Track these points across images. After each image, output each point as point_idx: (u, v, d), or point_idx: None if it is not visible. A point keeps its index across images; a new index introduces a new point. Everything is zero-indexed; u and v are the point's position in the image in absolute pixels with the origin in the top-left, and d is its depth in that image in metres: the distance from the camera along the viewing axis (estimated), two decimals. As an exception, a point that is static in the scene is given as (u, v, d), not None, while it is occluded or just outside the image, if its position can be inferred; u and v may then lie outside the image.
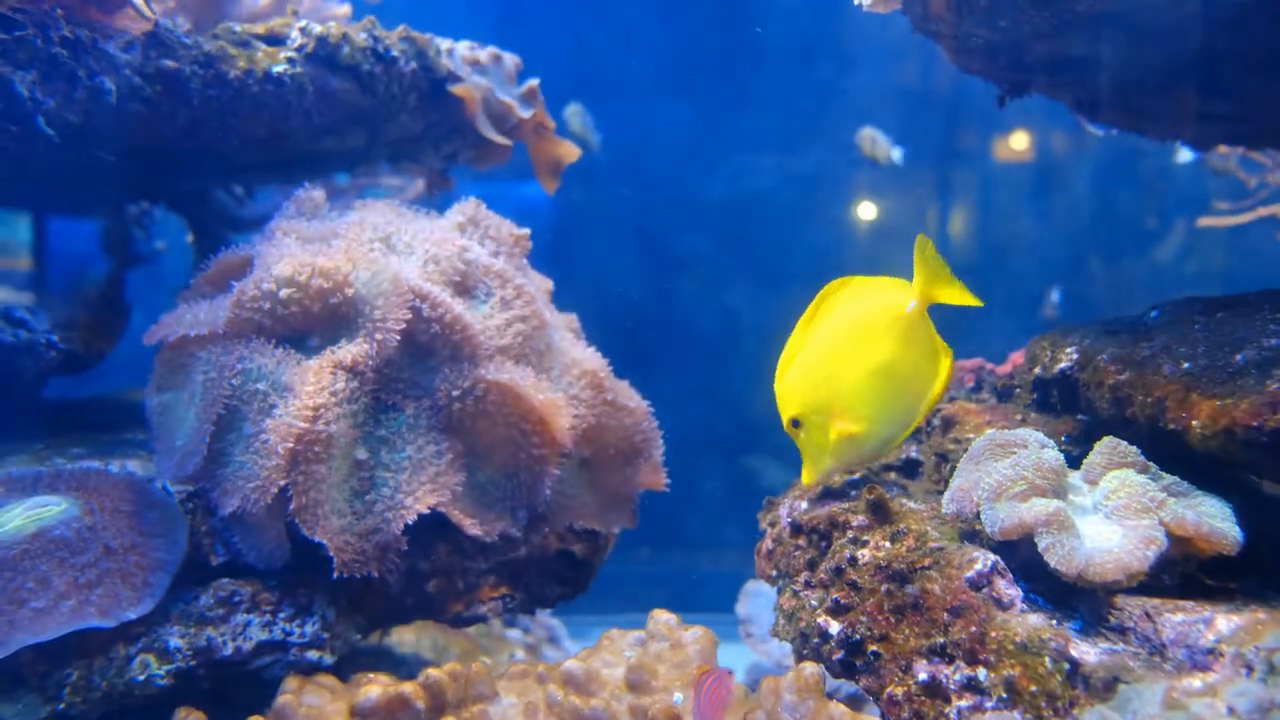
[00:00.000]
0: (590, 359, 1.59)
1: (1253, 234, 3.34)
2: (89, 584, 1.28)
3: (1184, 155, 3.35)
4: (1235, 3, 1.31)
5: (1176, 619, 1.04)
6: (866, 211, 4.11)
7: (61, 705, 1.25)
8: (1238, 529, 1.08)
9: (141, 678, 1.29)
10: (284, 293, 1.39)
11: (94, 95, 1.47)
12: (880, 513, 1.29)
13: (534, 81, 2.09)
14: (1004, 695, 1.05)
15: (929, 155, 4.05)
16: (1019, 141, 3.99)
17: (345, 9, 1.96)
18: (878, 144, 3.48)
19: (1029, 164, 4.05)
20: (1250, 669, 0.94)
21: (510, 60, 2.07)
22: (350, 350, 1.37)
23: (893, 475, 1.55)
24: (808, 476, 1.36)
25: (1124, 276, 3.94)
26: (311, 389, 1.32)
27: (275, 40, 1.72)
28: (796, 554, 1.37)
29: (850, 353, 1.32)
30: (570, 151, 2.13)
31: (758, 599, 2.33)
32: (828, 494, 1.43)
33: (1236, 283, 1.50)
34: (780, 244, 4.10)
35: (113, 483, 1.40)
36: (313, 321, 1.43)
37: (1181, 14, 1.37)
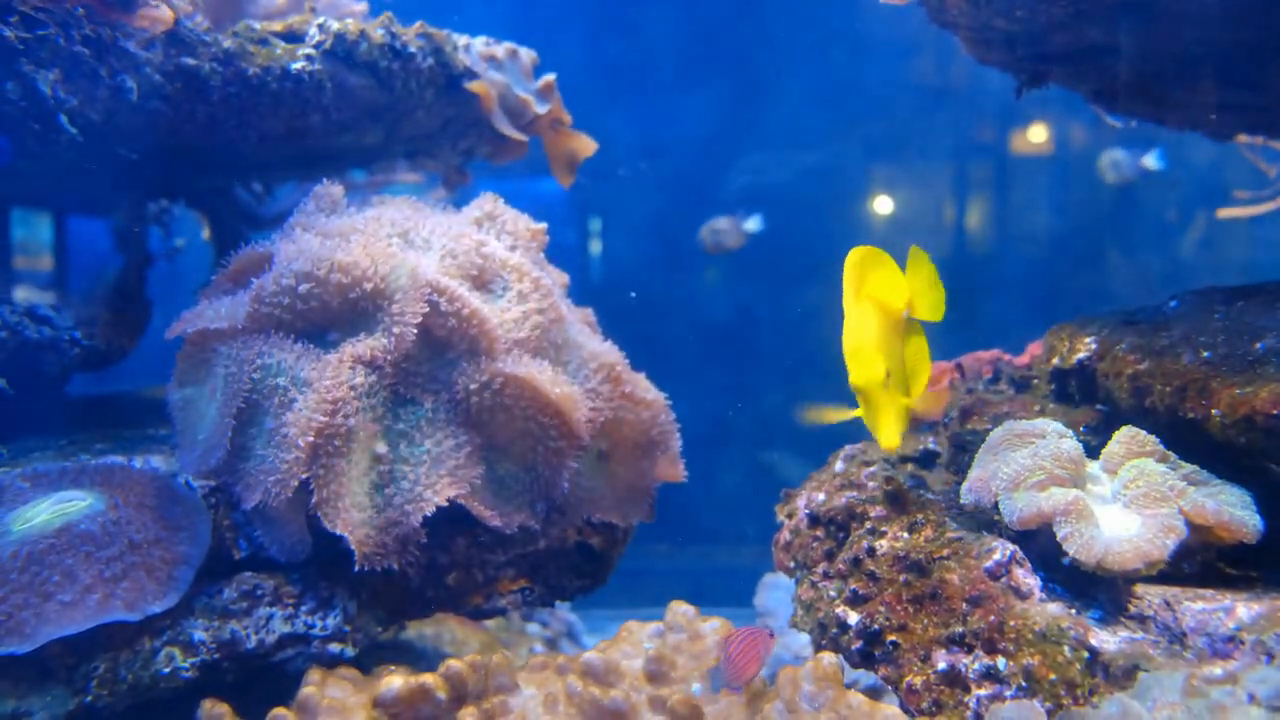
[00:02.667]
0: (607, 352, 1.60)
1: (1273, 224, 3.31)
2: (114, 578, 1.30)
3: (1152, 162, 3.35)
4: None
5: (1196, 607, 1.04)
6: (883, 205, 4.10)
7: (89, 698, 1.26)
8: (1258, 517, 1.08)
9: (167, 670, 1.31)
10: (303, 288, 1.40)
11: (115, 93, 1.48)
12: (898, 503, 1.29)
13: (550, 76, 2.10)
14: (1023, 684, 1.05)
15: (946, 148, 4.04)
16: (1037, 134, 3.97)
17: (362, 6, 1.97)
18: (727, 233, 3.47)
19: (1046, 156, 4.03)
20: (1271, 656, 0.94)
21: (526, 55, 2.08)
22: (368, 344, 1.39)
23: (910, 466, 1.55)
24: (894, 436, 1.27)
25: (1142, 268, 3.92)
26: (330, 383, 1.33)
27: (294, 37, 1.73)
28: (814, 545, 1.37)
29: (894, 335, 1.29)
30: (586, 146, 2.13)
31: (775, 591, 2.33)
32: (845, 485, 1.43)
33: (1257, 273, 1.49)
34: (797, 238, 4.09)
35: (137, 478, 1.41)
36: (332, 316, 1.44)
37: (1199, 4, 1.36)
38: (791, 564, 1.43)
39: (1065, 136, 3.93)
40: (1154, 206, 3.92)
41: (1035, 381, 1.61)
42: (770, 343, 4.08)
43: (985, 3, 1.41)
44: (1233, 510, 1.07)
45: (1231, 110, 1.79)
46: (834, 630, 1.25)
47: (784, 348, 4.06)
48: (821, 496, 1.42)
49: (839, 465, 1.54)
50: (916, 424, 1.82)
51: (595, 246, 4.17)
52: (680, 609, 1.37)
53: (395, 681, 1.20)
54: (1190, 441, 1.19)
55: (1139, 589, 1.08)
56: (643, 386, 1.61)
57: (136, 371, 2.00)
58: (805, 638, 1.40)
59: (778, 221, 4.13)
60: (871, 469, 1.47)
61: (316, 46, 1.72)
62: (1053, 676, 1.04)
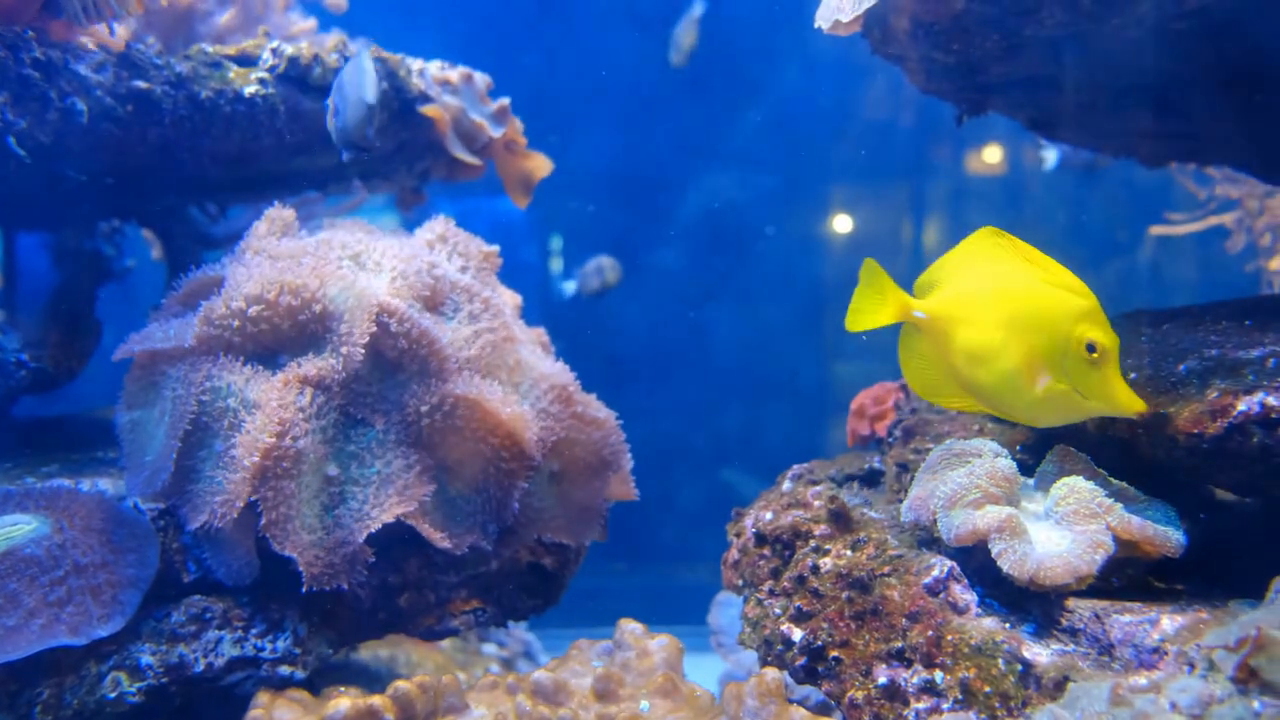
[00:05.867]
0: (559, 373, 1.62)
1: (1215, 245, 3.41)
2: (59, 602, 1.29)
3: (1050, 158, 3.47)
4: (1176, 28, 1.36)
5: (1124, 620, 1.07)
6: (841, 225, 4.17)
7: (32, 723, 1.25)
8: (1180, 533, 1.12)
9: (113, 695, 1.30)
10: (253, 310, 1.41)
11: (66, 116, 1.48)
12: (841, 522, 1.32)
13: (505, 100, 2.12)
14: (959, 697, 1.08)
15: (902, 170, 4.12)
16: (991, 155, 4.05)
17: (311, 23, 1.98)
18: (607, 271, 3.69)
19: (1000, 177, 4.12)
20: (1192, 666, 0.98)
21: (481, 79, 2.10)
22: (316, 365, 1.39)
23: (855, 485, 1.59)
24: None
25: (1095, 287, 4.00)
26: (277, 404, 1.33)
27: (247, 61, 1.74)
28: (761, 563, 1.40)
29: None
30: (541, 166, 2.16)
31: (729, 609, 2.35)
32: (792, 504, 1.46)
33: (1204, 294, 1.55)
34: (753, 258, 4.15)
35: (83, 501, 1.41)
36: (282, 338, 1.44)
37: (1126, 39, 1.41)
38: (739, 582, 1.46)
39: (1019, 158, 4.02)
40: (1105, 227, 4.02)
41: (976, 401, 1.64)
42: (728, 362, 4.13)
43: (924, 36, 1.45)
44: (1157, 526, 1.12)
45: (1164, 138, 1.85)
46: (779, 647, 1.27)
47: (742, 367, 4.11)
48: (769, 515, 1.45)
49: (786, 485, 1.57)
50: (863, 442, 1.86)
51: (554, 265, 4.20)
52: (629, 627, 1.38)
53: (343, 703, 1.21)
54: (1120, 459, 1.23)
55: (1071, 603, 1.12)
56: (594, 406, 1.63)
57: (86, 393, 1.98)
58: (755, 654, 1.42)
59: (733, 242, 4.19)
60: (818, 488, 1.50)
61: (270, 70, 1.73)
62: (988, 689, 1.07)
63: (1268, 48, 1.42)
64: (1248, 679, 0.88)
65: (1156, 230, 3.25)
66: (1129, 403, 1.12)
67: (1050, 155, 3.46)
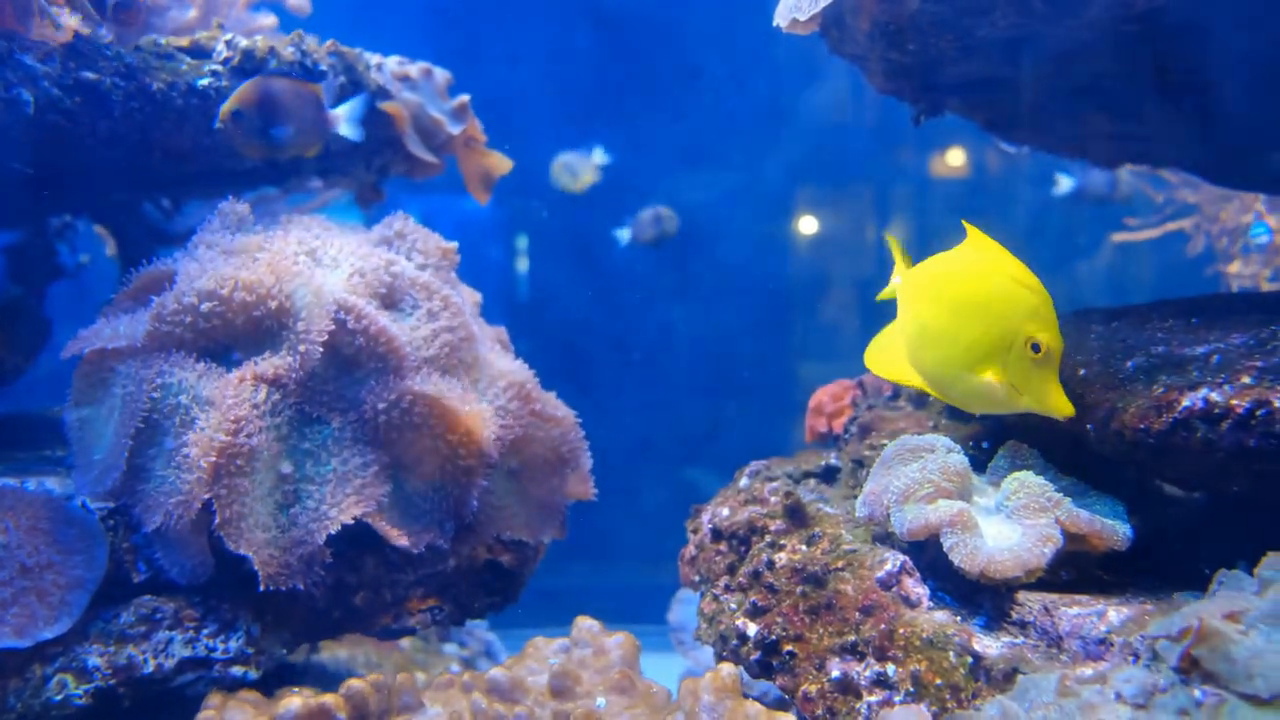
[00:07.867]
0: (517, 370, 1.61)
1: (1175, 249, 3.47)
2: (3, 604, 1.27)
3: (1064, 184, 3.40)
4: (1126, 30, 1.39)
5: (1072, 612, 1.09)
6: (807, 226, 4.19)
7: (-26, 727, 1.23)
8: (1127, 527, 1.14)
9: (59, 698, 1.27)
10: (205, 306, 1.39)
11: (10, 107, 1.45)
12: (797, 517, 1.33)
13: (465, 97, 2.11)
14: (911, 689, 1.09)
15: (864, 169, 4.14)
16: (955, 158, 4.09)
17: (271, 20, 1.96)
18: (665, 220, 3.50)
19: (964, 179, 4.16)
20: (1137, 656, 1.00)
21: (441, 75, 2.09)
22: (272, 363, 1.38)
23: (812, 481, 1.59)
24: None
25: (1053, 288, 4.05)
26: (232, 401, 1.32)
27: (200, 53, 1.72)
28: (717, 559, 1.40)
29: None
30: (501, 164, 2.15)
31: (688, 606, 2.36)
32: (749, 500, 1.46)
33: (1160, 293, 1.58)
34: (716, 257, 4.16)
35: (29, 500, 1.38)
36: (236, 335, 1.43)
37: (1078, 40, 1.43)
38: (696, 578, 1.46)
39: (982, 160, 4.06)
40: (1065, 229, 4.07)
41: (931, 398, 1.66)
42: (691, 360, 4.14)
43: (880, 36, 1.47)
44: (1104, 520, 1.13)
45: (1117, 140, 1.88)
46: (734, 642, 1.27)
47: (704, 365, 4.12)
48: (725, 511, 1.45)
49: (744, 481, 1.58)
50: (821, 439, 1.88)
51: (519, 264, 4.18)
52: (585, 624, 1.38)
53: (294, 702, 1.19)
54: (1070, 454, 1.25)
55: (1021, 596, 1.13)
56: (553, 404, 1.62)
57: (34, 392, 1.94)
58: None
59: (697, 241, 4.19)
60: (774, 484, 1.50)
61: (224, 63, 1.70)
62: (939, 681, 1.08)
63: (1212, 51, 1.45)
64: (1190, 669, 0.90)
65: (1118, 237, 3.29)
66: (1060, 405, 1.13)
67: (1066, 182, 3.38)
